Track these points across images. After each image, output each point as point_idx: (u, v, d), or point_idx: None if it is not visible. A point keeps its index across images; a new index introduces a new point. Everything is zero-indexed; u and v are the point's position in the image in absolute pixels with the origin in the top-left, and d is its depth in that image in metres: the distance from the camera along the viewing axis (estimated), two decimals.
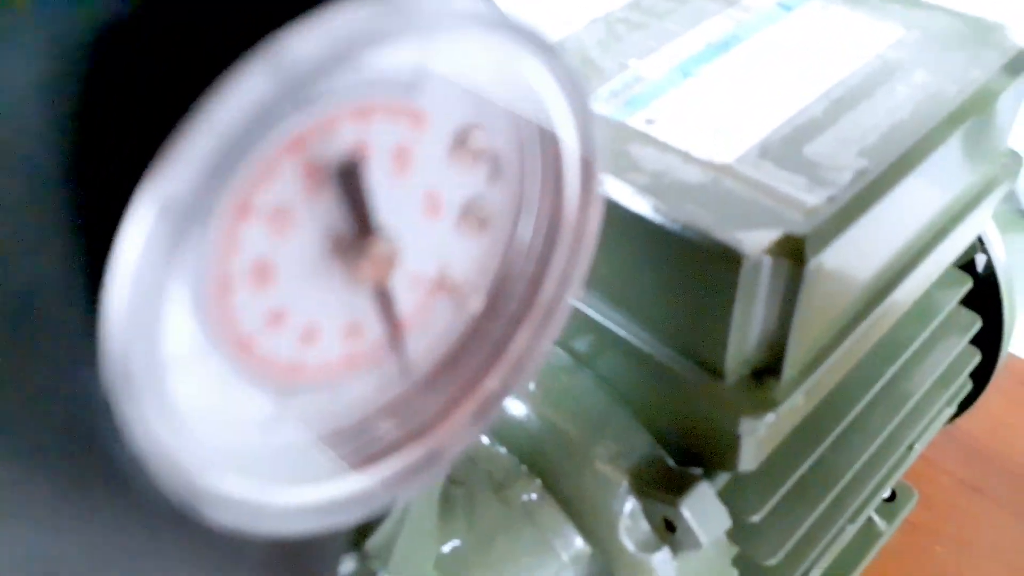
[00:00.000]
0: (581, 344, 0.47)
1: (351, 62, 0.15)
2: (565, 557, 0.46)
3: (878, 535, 0.59)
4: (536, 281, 0.20)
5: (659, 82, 0.43)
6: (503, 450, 0.48)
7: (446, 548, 0.44)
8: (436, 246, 0.19)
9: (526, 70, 0.16)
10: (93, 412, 0.14)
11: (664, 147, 0.40)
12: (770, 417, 0.40)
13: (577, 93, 0.17)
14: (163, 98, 0.14)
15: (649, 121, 0.41)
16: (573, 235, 0.20)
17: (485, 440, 0.48)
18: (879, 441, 0.48)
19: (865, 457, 0.47)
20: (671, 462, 0.46)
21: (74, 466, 0.15)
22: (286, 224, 0.16)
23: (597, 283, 0.44)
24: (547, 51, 0.16)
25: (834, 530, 0.48)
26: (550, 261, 0.20)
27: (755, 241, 0.37)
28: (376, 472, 0.21)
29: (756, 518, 0.45)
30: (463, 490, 0.46)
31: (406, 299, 0.19)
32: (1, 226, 0.12)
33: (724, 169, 0.39)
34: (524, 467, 0.47)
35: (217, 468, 0.16)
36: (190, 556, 0.19)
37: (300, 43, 0.14)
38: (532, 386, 0.48)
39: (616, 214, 0.39)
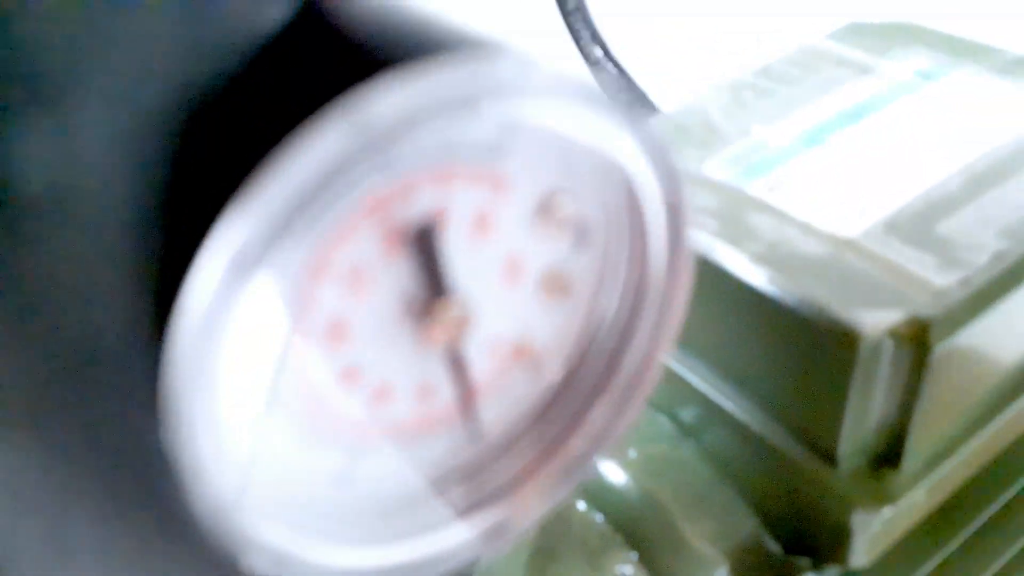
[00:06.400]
0: (686, 414, 0.46)
1: (432, 123, 0.15)
2: None
3: None
4: (618, 353, 0.20)
5: (783, 149, 0.41)
6: (599, 517, 0.46)
7: None
8: (514, 312, 0.18)
9: (609, 136, 0.16)
10: (148, 453, 0.14)
11: (783, 216, 0.38)
12: (886, 512, 0.37)
13: (663, 159, 0.17)
14: (240, 151, 0.14)
15: (770, 189, 0.40)
16: (659, 307, 0.19)
17: (581, 505, 0.47)
18: (1006, 558, 0.44)
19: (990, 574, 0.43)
20: (775, 547, 0.43)
21: (121, 500, 0.15)
22: (362, 285, 0.16)
23: (706, 352, 0.43)
24: (630, 119, 0.16)
25: None
26: (634, 333, 0.19)
27: (876, 321, 0.34)
28: (443, 539, 0.20)
29: None
30: (558, 567, 0.44)
31: (481, 364, 0.19)
32: (75, 273, 0.12)
33: (847, 243, 0.37)
34: (620, 537, 0.46)
35: (268, 517, 0.16)
36: None
37: (381, 101, 0.14)
38: (633, 453, 0.46)
39: (729, 283, 0.38)
